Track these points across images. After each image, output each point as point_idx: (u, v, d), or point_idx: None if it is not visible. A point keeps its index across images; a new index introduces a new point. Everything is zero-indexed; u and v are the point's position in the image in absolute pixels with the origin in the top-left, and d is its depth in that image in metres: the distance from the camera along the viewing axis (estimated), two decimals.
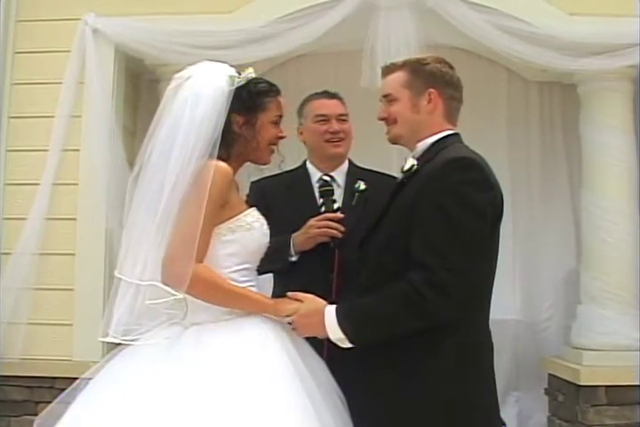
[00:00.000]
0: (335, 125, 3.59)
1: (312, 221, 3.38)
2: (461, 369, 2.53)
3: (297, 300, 2.70)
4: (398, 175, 3.46)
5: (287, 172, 3.43)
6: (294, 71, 5.45)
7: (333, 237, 3.38)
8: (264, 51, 4.79)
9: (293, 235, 3.41)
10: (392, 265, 2.59)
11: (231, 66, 2.86)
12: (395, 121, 2.78)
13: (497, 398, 2.70)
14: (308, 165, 3.68)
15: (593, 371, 4.69)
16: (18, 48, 5.05)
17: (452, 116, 2.81)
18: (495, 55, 5.08)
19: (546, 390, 5.21)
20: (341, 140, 3.60)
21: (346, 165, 3.66)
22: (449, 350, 2.53)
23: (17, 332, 4.77)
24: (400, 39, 4.59)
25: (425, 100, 2.75)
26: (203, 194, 2.60)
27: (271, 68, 5.21)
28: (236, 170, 2.81)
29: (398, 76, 2.78)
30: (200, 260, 2.60)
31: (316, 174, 3.64)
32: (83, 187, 4.89)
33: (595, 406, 4.67)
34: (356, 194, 3.52)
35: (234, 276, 2.72)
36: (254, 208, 2.82)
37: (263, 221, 2.80)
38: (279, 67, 5.27)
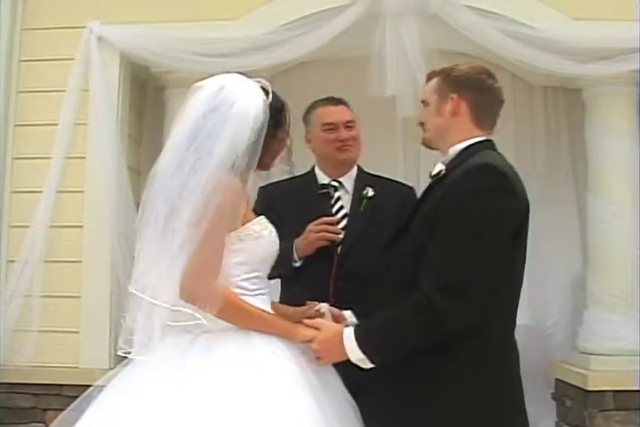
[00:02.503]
0: (344, 133, 3.58)
1: (310, 226, 3.39)
2: (484, 372, 2.52)
3: (315, 328, 2.69)
4: (406, 181, 3.47)
5: (295, 177, 3.43)
6: (299, 78, 5.45)
7: (332, 241, 3.38)
8: (269, 58, 4.79)
9: (296, 240, 3.42)
10: (415, 271, 2.57)
11: (238, 73, 2.88)
12: (424, 125, 2.84)
13: (523, 401, 2.67)
14: (317, 170, 3.68)
15: (600, 376, 4.68)
16: (23, 56, 5.06)
17: (482, 121, 2.78)
18: (500, 60, 5.07)
19: (553, 395, 5.20)
20: (351, 146, 3.60)
21: (354, 171, 3.66)
22: (470, 355, 2.52)
23: (24, 339, 4.76)
24: (406, 45, 4.60)
25: (448, 104, 2.75)
26: (223, 212, 2.57)
27: (275, 75, 5.20)
28: (247, 179, 2.83)
29: (432, 83, 2.83)
30: (216, 276, 2.59)
31: (324, 180, 3.64)
32: (88, 194, 4.89)
33: (603, 411, 4.66)
34: (364, 200, 3.53)
35: (244, 284, 2.71)
36: (262, 216, 2.80)
37: (272, 228, 2.78)
38: (283, 73, 5.27)
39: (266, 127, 2.70)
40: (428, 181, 2.81)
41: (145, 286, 2.61)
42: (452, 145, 2.75)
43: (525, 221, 2.64)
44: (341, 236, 3.44)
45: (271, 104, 2.75)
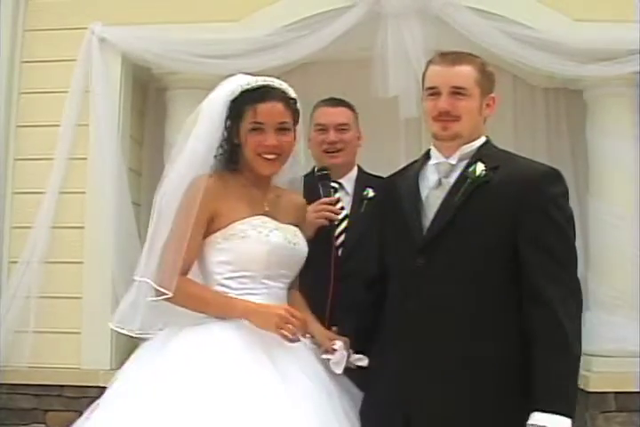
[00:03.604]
0: (332, 136, 3.55)
1: (309, 208, 3.34)
2: None
3: None
4: None
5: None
6: (301, 79, 5.44)
7: (331, 221, 3.38)
8: (271, 59, 4.79)
9: None
10: (484, 273, 2.56)
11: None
12: (459, 118, 2.65)
13: None
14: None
15: (602, 377, 4.67)
16: (25, 57, 5.07)
17: None
18: (501, 61, 5.07)
19: None
20: (339, 150, 3.56)
21: (355, 172, 3.65)
22: None
23: (25, 340, 4.78)
24: (408, 47, 4.60)
25: (489, 102, 2.72)
26: (187, 208, 2.74)
27: (277, 77, 5.20)
28: (251, 180, 2.85)
29: (470, 71, 2.67)
30: (184, 271, 2.73)
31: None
32: (90, 195, 4.89)
33: (604, 412, 4.65)
34: (365, 201, 3.52)
35: (228, 282, 2.78)
36: (260, 216, 2.82)
37: (264, 229, 2.78)
38: (285, 75, 5.24)
39: (228, 122, 2.82)
40: None
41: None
42: (470, 142, 2.71)
43: None
44: (340, 216, 3.44)
45: (236, 98, 2.83)
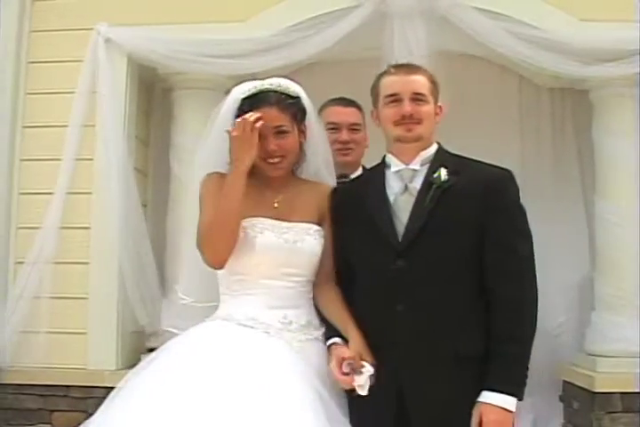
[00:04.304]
0: (345, 135, 3.59)
1: None
2: None
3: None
4: None
5: None
6: (306, 79, 5.41)
7: None
8: (276, 59, 4.79)
9: None
10: (461, 273, 2.72)
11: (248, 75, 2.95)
12: (421, 121, 2.82)
13: None
14: None
15: (607, 378, 4.66)
16: (31, 58, 5.09)
17: None
18: (507, 62, 5.08)
19: (560, 396, 5.19)
20: (350, 149, 3.59)
21: (360, 172, 3.65)
22: None
23: (31, 340, 4.78)
24: (413, 47, 4.60)
25: (438, 110, 2.90)
26: (200, 204, 2.89)
27: (283, 77, 5.20)
28: (261, 180, 2.90)
29: (425, 81, 2.87)
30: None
31: None
32: (96, 196, 4.90)
33: (609, 413, 4.64)
34: None
35: (228, 284, 2.88)
36: (258, 217, 2.84)
37: (253, 231, 2.81)
38: (291, 75, 5.23)
39: (232, 121, 2.88)
40: None
41: None
42: (427, 147, 2.87)
43: None
44: None
45: (238, 107, 2.91)
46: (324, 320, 2.88)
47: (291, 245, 2.83)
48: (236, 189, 2.74)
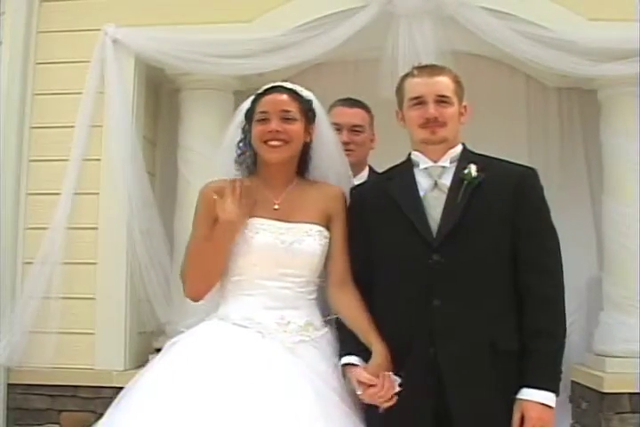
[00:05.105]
0: (345, 136, 3.56)
1: None
2: None
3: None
4: None
5: None
6: (313, 79, 5.44)
7: None
8: (283, 59, 4.81)
9: None
10: (495, 268, 2.74)
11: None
12: (445, 124, 2.84)
13: None
14: None
15: (616, 378, 4.65)
16: (39, 59, 5.10)
17: None
18: (514, 61, 5.07)
19: (569, 397, 5.17)
20: (351, 150, 3.56)
21: (366, 172, 3.66)
22: None
23: (39, 341, 4.79)
24: (419, 47, 4.59)
25: (463, 111, 2.92)
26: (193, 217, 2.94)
27: (290, 77, 5.21)
28: (264, 180, 2.92)
29: (449, 82, 2.88)
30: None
31: None
32: (104, 196, 4.91)
33: (618, 413, 4.62)
34: None
35: (229, 285, 2.88)
36: (257, 218, 2.84)
37: (250, 231, 2.82)
38: (297, 75, 5.27)
39: (245, 123, 2.94)
40: None
41: None
42: (454, 146, 2.88)
43: None
44: None
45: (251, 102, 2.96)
46: (338, 334, 2.86)
47: (287, 245, 2.82)
48: (224, 242, 2.80)
